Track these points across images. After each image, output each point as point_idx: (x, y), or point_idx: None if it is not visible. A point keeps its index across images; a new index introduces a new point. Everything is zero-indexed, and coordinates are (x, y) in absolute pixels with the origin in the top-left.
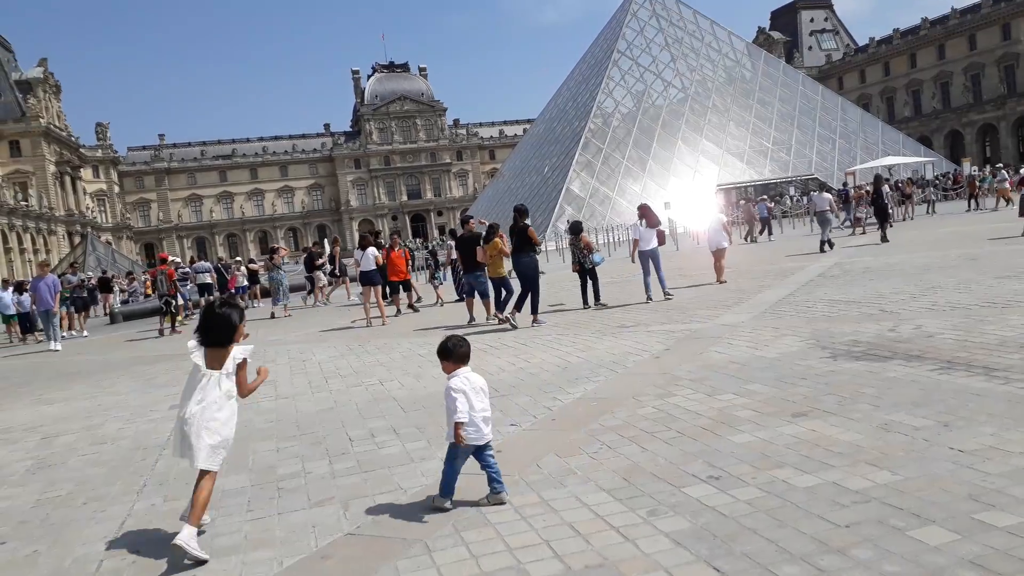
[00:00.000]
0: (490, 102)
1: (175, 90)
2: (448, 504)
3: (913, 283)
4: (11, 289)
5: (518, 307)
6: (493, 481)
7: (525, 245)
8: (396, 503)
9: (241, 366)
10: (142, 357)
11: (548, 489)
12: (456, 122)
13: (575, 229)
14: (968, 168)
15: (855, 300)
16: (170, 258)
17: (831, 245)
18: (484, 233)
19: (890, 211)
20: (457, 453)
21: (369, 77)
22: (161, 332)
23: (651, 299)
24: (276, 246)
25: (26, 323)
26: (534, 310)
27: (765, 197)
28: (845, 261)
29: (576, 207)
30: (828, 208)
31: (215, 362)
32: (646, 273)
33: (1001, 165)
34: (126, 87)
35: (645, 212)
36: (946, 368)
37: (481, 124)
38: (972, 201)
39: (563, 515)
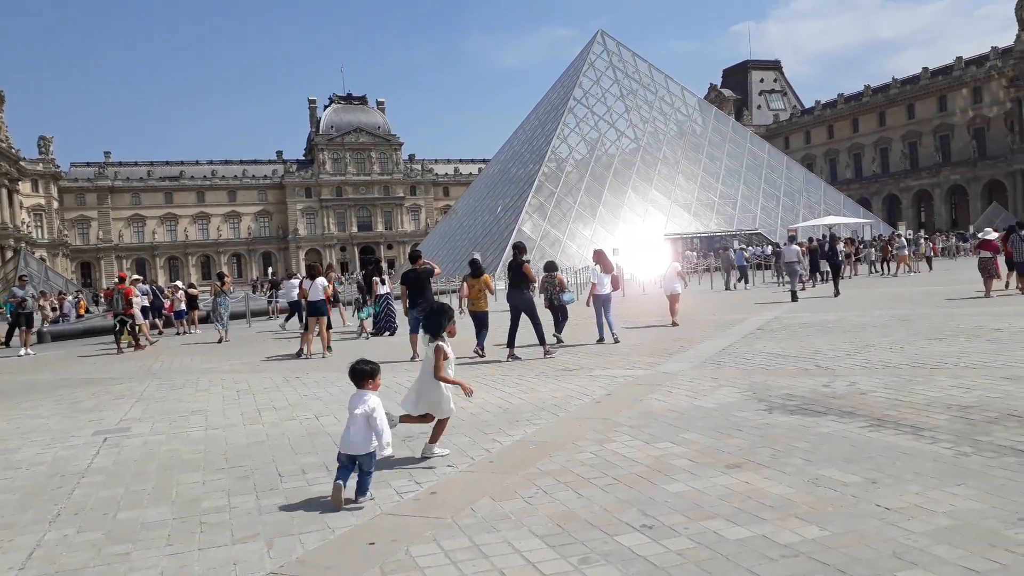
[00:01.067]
0: (446, 140)
1: (123, 107)
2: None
3: (849, 340)
4: None
5: (509, 343)
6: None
7: (521, 281)
8: (323, 543)
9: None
10: (68, 380)
11: (481, 534)
12: (412, 157)
13: (550, 267)
14: (904, 231)
15: (792, 355)
16: (132, 276)
17: (795, 297)
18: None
19: (841, 268)
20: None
21: (326, 107)
22: (120, 350)
23: (603, 340)
24: (222, 271)
25: None
26: (542, 342)
27: (743, 246)
28: (784, 315)
29: (527, 248)
30: (796, 260)
31: None
32: (599, 315)
33: (900, 232)
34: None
35: (600, 258)
36: (876, 425)
37: (437, 160)
38: (883, 265)
39: (494, 561)
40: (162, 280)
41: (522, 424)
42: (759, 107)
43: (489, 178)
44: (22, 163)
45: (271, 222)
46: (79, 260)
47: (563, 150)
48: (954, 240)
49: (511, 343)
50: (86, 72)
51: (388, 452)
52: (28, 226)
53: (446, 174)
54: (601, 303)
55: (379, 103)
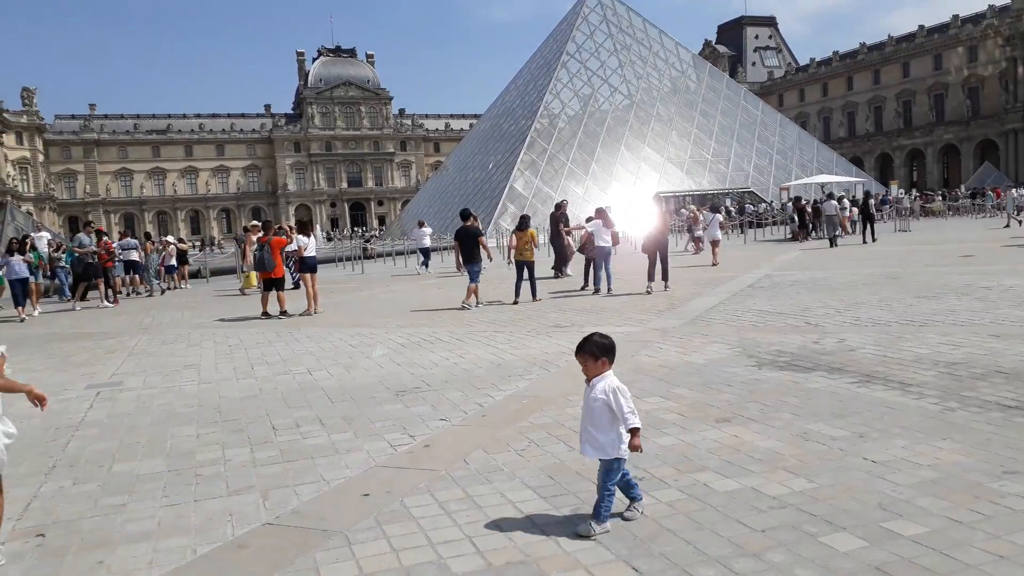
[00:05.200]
0: (437, 95)
1: (108, 59)
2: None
3: (838, 298)
4: (2, 251)
5: (516, 293)
6: (630, 488)
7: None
8: (318, 494)
9: None
10: (59, 334)
11: (474, 485)
12: (402, 112)
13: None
14: (895, 191)
15: (782, 312)
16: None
17: (834, 242)
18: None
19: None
20: (622, 465)
21: (314, 60)
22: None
23: (599, 290)
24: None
25: (19, 293)
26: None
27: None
28: (775, 273)
29: (519, 205)
30: (834, 213)
31: None
32: (598, 268)
33: (843, 194)
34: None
35: (602, 215)
36: (865, 381)
37: (427, 116)
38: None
39: (487, 511)
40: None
41: (514, 379)
42: (753, 64)
43: (481, 134)
44: (5, 115)
45: (260, 177)
46: (66, 214)
47: (556, 106)
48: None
49: (517, 292)
50: (69, 22)
51: None
52: (13, 180)
53: (437, 129)
54: (602, 256)
55: (368, 56)
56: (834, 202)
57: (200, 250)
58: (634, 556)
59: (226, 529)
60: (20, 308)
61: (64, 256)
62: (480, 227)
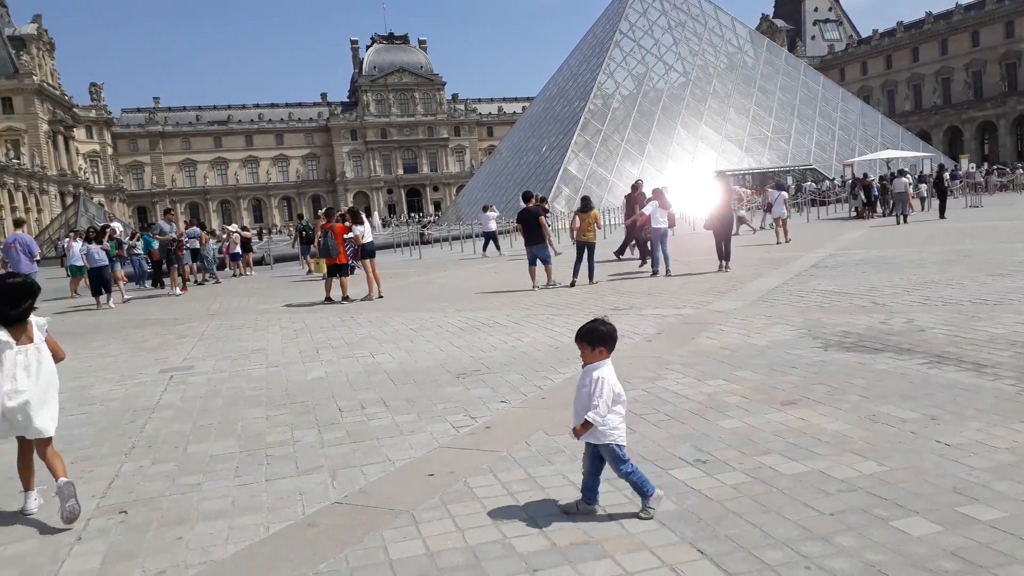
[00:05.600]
0: (490, 78)
1: (171, 53)
2: (660, 492)
3: (907, 277)
4: (80, 240)
5: (574, 274)
6: (644, 484)
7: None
8: (384, 474)
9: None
10: (131, 320)
11: (535, 466)
12: (455, 97)
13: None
14: (965, 165)
15: (848, 292)
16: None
17: (903, 220)
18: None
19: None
20: (622, 452)
21: (368, 48)
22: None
23: (657, 272)
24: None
25: (98, 281)
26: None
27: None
28: (839, 253)
29: (573, 188)
30: (904, 189)
31: None
32: (655, 249)
33: (907, 170)
34: (122, 48)
35: (658, 196)
36: (936, 362)
37: (480, 100)
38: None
39: (549, 492)
40: (215, 223)
41: (573, 362)
42: (813, 37)
43: (533, 117)
44: (75, 110)
45: (319, 165)
46: (135, 205)
47: (609, 86)
48: None
49: (575, 274)
50: (132, 18)
51: None
52: (85, 172)
53: (490, 114)
54: (658, 237)
55: (421, 42)
56: (904, 179)
57: (260, 238)
58: (699, 538)
59: (297, 508)
60: (100, 297)
61: (139, 244)
62: (547, 206)
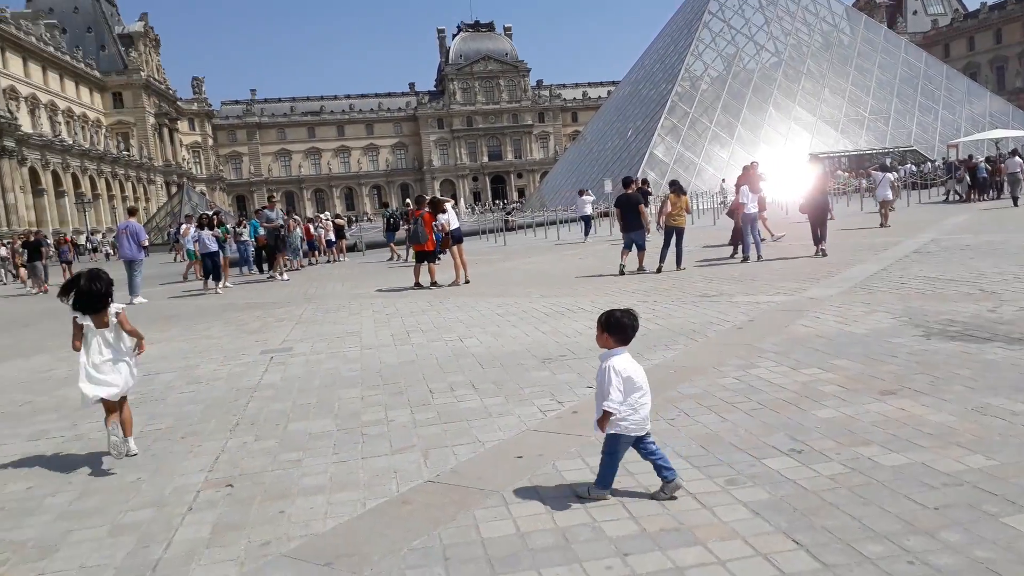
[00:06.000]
0: (574, 63)
1: (267, 46)
2: (608, 495)
3: (1017, 263)
4: (194, 225)
5: (661, 259)
6: (663, 469)
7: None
8: (474, 455)
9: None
10: (233, 304)
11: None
12: (539, 83)
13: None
14: None
15: (952, 278)
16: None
17: (1016, 202)
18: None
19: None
20: (618, 445)
21: (454, 36)
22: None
23: (748, 258)
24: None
25: (210, 266)
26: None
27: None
28: (943, 238)
29: (660, 172)
30: (1018, 170)
31: None
32: (746, 234)
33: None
34: (221, 43)
35: (748, 175)
36: None
37: (564, 86)
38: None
39: (638, 478)
40: (310, 212)
41: (659, 349)
42: (915, 12)
43: (619, 101)
44: (179, 103)
45: (407, 154)
46: (234, 193)
47: (698, 67)
48: None
49: (662, 260)
50: (231, 14)
51: None
52: (188, 163)
53: (574, 99)
54: (748, 222)
55: (506, 29)
56: (1017, 159)
57: (350, 225)
58: (795, 529)
59: (391, 485)
60: (213, 282)
61: (245, 231)
62: (650, 190)
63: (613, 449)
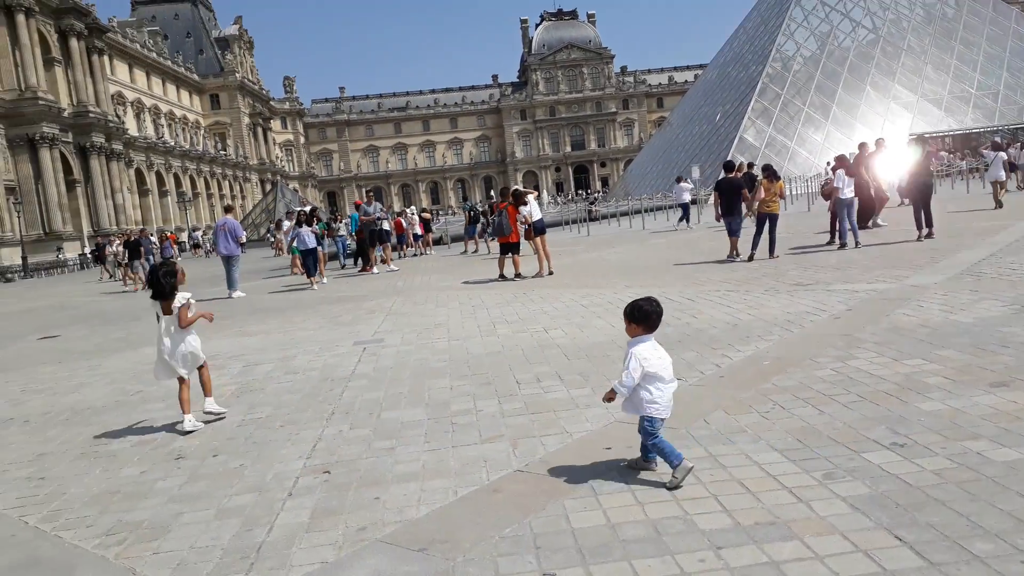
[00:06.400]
0: (660, 48)
1: (355, 45)
2: (688, 463)
3: None
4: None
5: (753, 247)
6: (647, 452)
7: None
8: (562, 446)
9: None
10: (327, 297)
11: (716, 445)
12: (624, 69)
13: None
14: None
15: None
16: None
17: None
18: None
19: None
20: (654, 426)
21: (537, 26)
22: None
23: (846, 244)
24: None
25: (309, 262)
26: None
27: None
28: None
29: (750, 157)
30: None
31: None
32: (842, 220)
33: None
34: (311, 42)
35: (843, 162)
36: None
37: (650, 71)
38: None
39: (732, 471)
40: (397, 206)
41: (753, 340)
42: None
43: (706, 84)
44: (272, 103)
45: (490, 146)
46: (325, 190)
47: (789, 48)
48: None
49: (754, 247)
50: (320, 14)
51: None
52: (281, 161)
53: (659, 84)
54: (844, 207)
55: (590, 16)
56: None
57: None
58: (897, 525)
59: (481, 474)
60: (312, 277)
61: (342, 226)
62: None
63: (652, 431)
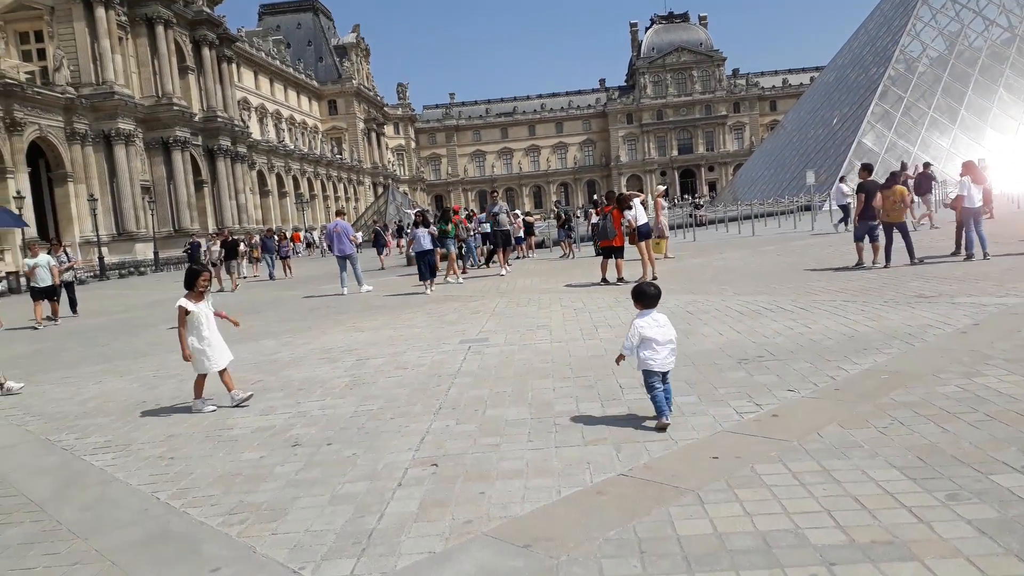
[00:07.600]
0: (774, 49)
1: (465, 51)
2: (666, 419)
3: None
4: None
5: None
6: (661, 405)
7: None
8: (667, 452)
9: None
10: (434, 297)
11: (829, 459)
12: (735, 72)
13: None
14: None
15: None
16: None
17: None
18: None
19: None
20: (651, 379)
21: (647, 29)
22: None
23: (972, 256)
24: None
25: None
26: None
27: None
28: None
29: (869, 163)
30: None
31: None
32: (968, 229)
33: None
34: (424, 49)
35: (970, 169)
36: None
37: (763, 73)
38: None
39: (846, 487)
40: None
41: (870, 353)
42: None
43: (823, 87)
44: (385, 108)
45: (595, 150)
46: (433, 193)
47: (914, 48)
48: None
49: (887, 256)
50: (433, 21)
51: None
52: (392, 165)
53: (773, 87)
54: (971, 216)
55: (701, 18)
56: None
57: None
58: None
59: (585, 475)
60: (426, 282)
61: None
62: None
63: (649, 383)
